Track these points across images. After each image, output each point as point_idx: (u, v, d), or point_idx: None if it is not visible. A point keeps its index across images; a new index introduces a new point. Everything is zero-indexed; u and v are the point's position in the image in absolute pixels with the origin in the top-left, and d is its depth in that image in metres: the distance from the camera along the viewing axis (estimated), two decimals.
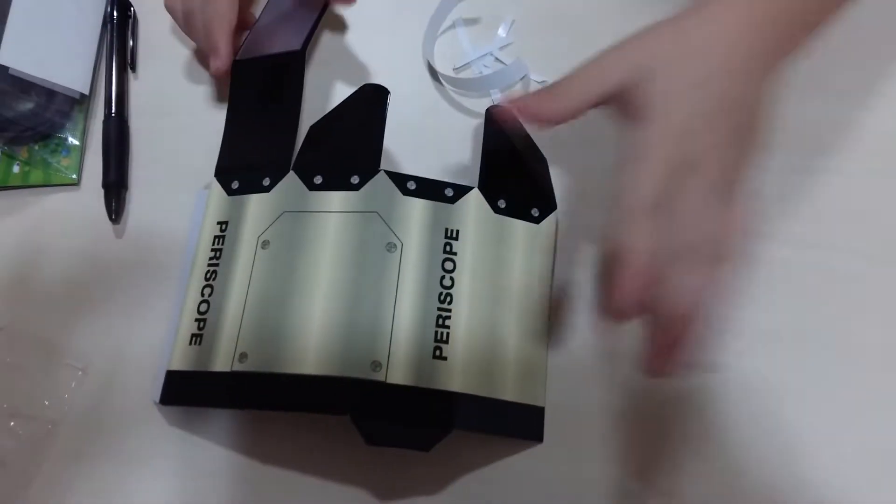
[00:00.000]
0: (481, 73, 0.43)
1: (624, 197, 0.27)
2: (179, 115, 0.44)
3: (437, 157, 0.41)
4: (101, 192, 0.41)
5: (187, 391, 0.35)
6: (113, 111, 0.43)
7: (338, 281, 0.34)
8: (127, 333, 0.39)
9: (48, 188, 0.42)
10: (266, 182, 0.37)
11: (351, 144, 0.37)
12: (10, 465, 0.37)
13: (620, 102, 0.29)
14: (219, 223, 0.37)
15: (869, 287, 0.36)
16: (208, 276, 0.36)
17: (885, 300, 0.35)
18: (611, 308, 0.27)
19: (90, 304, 0.40)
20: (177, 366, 0.35)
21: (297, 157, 0.38)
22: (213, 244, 0.37)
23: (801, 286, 0.36)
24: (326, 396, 0.32)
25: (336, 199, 0.36)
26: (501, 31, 0.43)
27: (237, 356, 0.34)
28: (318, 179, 0.36)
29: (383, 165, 0.37)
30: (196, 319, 0.36)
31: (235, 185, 0.38)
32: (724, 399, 0.34)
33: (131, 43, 0.46)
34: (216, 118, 0.43)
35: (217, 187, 0.38)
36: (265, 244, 0.36)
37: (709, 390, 0.35)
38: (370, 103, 0.38)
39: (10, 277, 0.41)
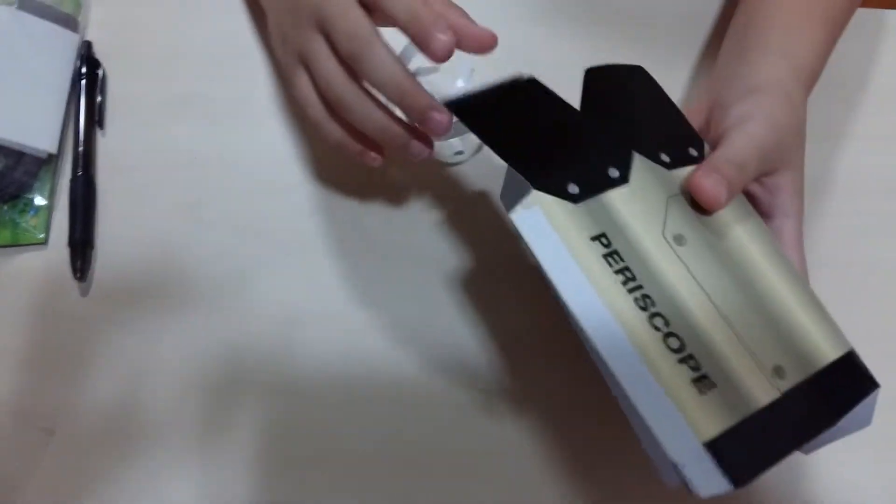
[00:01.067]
0: None
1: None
2: (147, 171, 0.45)
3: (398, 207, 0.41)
4: (68, 250, 0.42)
5: (757, 452, 0.27)
6: (80, 170, 0.44)
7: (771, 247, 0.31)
8: (93, 394, 0.39)
9: (16, 248, 0.43)
10: (615, 174, 0.31)
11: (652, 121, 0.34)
12: None
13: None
14: (593, 238, 0.29)
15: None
16: (640, 303, 0.28)
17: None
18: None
19: (56, 365, 0.40)
20: (713, 430, 0.26)
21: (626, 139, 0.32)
22: (610, 264, 0.29)
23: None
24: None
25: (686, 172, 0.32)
26: (460, 82, 0.44)
27: (770, 374, 0.28)
28: (665, 157, 0.32)
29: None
30: (680, 361, 0.27)
31: (574, 189, 0.30)
32: None
33: (99, 99, 0.46)
34: (183, 174, 0.44)
35: (554, 201, 0.30)
36: (679, 240, 0.30)
37: None
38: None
39: None
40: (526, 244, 0.29)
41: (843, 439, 0.36)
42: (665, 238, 0.30)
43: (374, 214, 0.43)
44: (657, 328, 0.28)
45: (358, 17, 0.34)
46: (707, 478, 0.25)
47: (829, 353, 0.29)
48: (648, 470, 0.36)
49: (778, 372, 0.28)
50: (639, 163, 0.31)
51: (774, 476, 0.36)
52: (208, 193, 0.44)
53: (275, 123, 0.46)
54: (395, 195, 0.44)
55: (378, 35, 0.34)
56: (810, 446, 0.29)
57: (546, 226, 0.29)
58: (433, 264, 0.42)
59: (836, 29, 0.41)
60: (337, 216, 0.43)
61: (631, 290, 0.28)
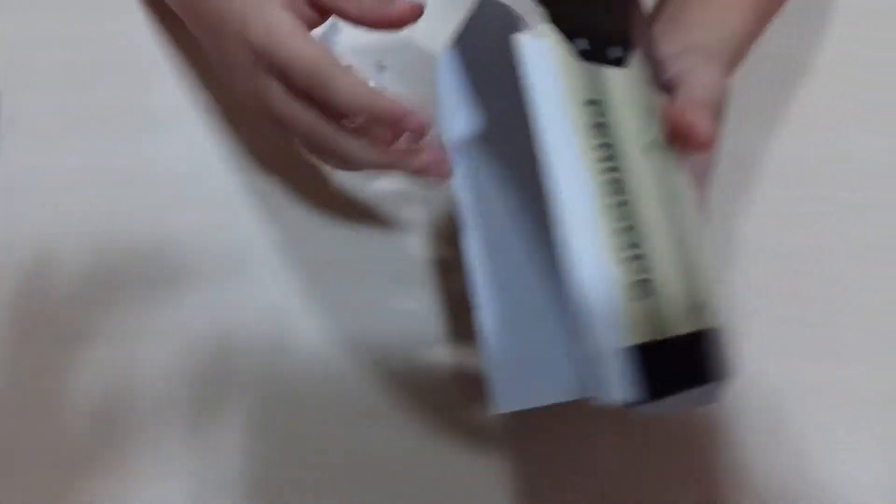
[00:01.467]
0: None
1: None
2: (50, 192, 0.42)
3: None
4: None
5: (669, 374, 0.25)
6: None
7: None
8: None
9: None
10: (616, 53, 0.27)
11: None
12: None
13: None
14: (590, 102, 0.26)
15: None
16: (610, 187, 0.26)
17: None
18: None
19: None
20: (640, 337, 0.24)
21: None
22: (593, 135, 0.26)
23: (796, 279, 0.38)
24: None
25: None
26: (372, 83, 0.43)
27: (696, 307, 0.26)
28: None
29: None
30: (631, 257, 0.25)
31: (584, 44, 0.27)
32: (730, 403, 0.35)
33: None
34: (89, 191, 0.42)
35: (561, 45, 0.26)
36: (653, 147, 0.27)
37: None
38: None
39: None
40: (522, 76, 0.25)
41: (845, 437, 0.38)
42: (637, 138, 0.27)
43: (315, 219, 0.42)
44: (620, 216, 0.26)
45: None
46: (619, 381, 0.23)
47: (721, 317, 0.28)
48: (647, 475, 0.37)
49: (698, 308, 0.26)
50: (635, 55, 0.29)
51: (774, 473, 0.37)
52: (120, 210, 0.42)
53: (184, 132, 0.44)
54: (330, 197, 0.43)
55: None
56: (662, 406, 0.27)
57: (552, 66, 0.26)
58: (394, 264, 0.41)
59: (766, 15, 0.41)
60: (270, 222, 0.42)
61: (607, 170, 0.26)
